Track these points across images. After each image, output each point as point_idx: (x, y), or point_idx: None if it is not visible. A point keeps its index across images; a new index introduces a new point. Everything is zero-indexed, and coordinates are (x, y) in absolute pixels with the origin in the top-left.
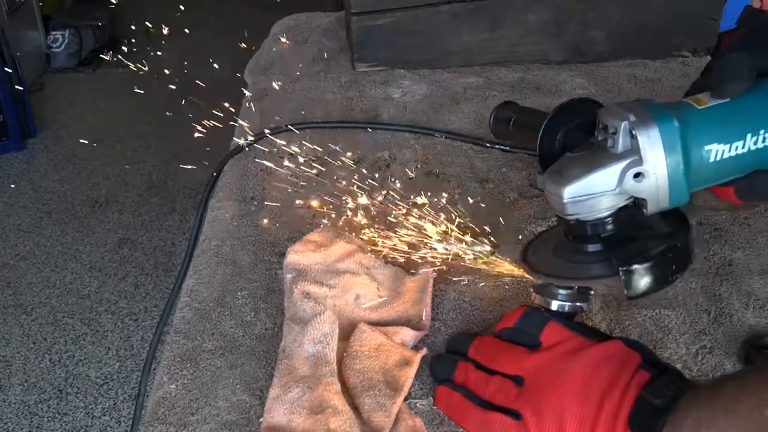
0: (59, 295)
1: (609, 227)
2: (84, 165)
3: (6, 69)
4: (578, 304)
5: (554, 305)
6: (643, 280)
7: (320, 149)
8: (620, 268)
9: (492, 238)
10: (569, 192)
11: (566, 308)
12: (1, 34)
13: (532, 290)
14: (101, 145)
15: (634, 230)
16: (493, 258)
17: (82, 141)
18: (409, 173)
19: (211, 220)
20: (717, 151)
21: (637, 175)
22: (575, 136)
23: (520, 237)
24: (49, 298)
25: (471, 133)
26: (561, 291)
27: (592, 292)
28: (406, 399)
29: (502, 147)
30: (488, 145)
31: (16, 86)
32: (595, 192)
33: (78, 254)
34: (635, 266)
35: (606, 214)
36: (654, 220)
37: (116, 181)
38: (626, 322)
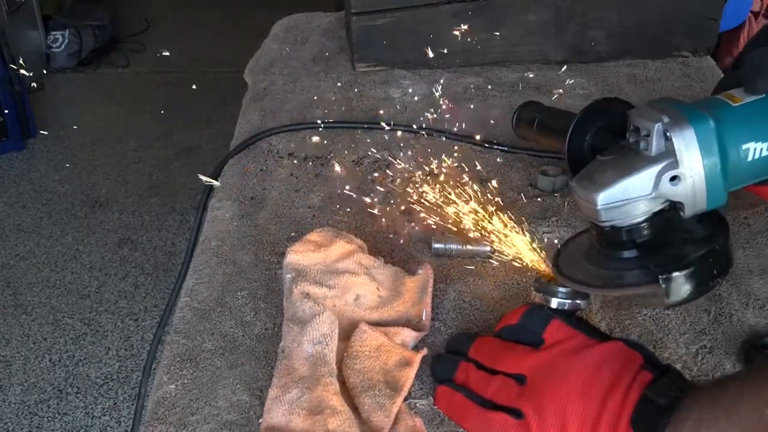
0: (59, 295)
1: (645, 232)
2: (84, 165)
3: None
4: (578, 301)
5: (554, 303)
6: (684, 287)
7: (320, 149)
8: (660, 276)
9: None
10: (603, 198)
11: (566, 306)
12: (1, 34)
13: (532, 288)
14: (101, 145)
15: (670, 234)
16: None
17: (82, 141)
18: (410, 173)
19: (211, 220)
20: (754, 149)
21: (673, 179)
22: (604, 137)
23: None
24: (49, 298)
25: (471, 134)
26: (561, 289)
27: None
28: (406, 399)
29: (500, 147)
30: (486, 145)
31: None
32: (630, 197)
33: (78, 254)
34: (675, 273)
35: (641, 219)
36: (691, 223)
37: (116, 181)
38: (626, 321)
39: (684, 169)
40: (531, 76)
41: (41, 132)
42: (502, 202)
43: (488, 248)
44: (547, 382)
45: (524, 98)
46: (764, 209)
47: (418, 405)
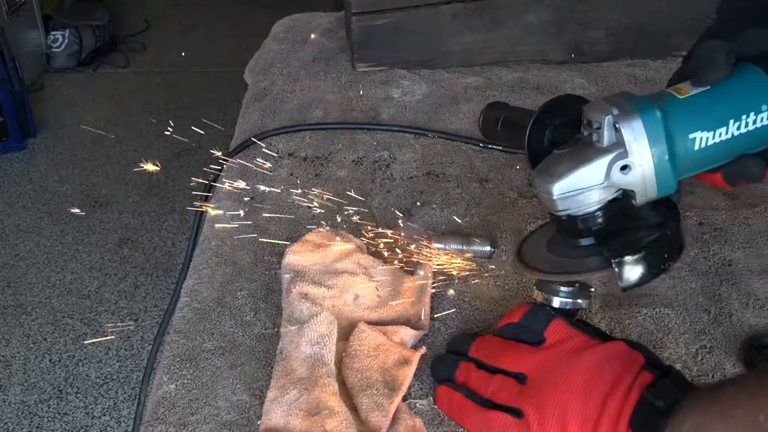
0: (59, 295)
1: (600, 220)
2: (84, 165)
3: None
4: (579, 301)
5: (556, 302)
6: (635, 271)
7: (320, 149)
8: (612, 260)
9: (492, 239)
10: (558, 188)
11: (568, 305)
12: (1, 34)
13: (534, 287)
14: (101, 145)
15: (625, 222)
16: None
17: (82, 141)
18: (410, 173)
19: (211, 220)
20: (701, 138)
21: (623, 168)
22: (563, 132)
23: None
24: (49, 298)
25: (471, 133)
26: (563, 288)
27: (593, 290)
28: (405, 399)
29: (500, 147)
30: (481, 145)
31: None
32: (583, 187)
33: (78, 254)
34: (627, 257)
35: (596, 207)
36: (644, 211)
37: (116, 181)
38: (626, 321)
39: (633, 158)
40: (531, 76)
41: (41, 132)
42: (503, 202)
43: (488, 248)
44: (548, 381)
45: (524, 98)
46: (764, 209)
47: (418, 405)
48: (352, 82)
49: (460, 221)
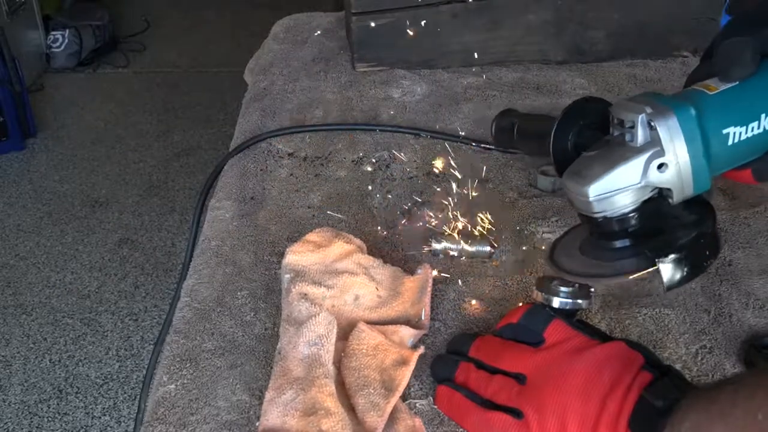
0: (59, 295)
1: (635, 221)
2: (84, 165)
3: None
4: (579, 301)
5: (556, 302)
6: (680, 270)
7: (320, 149)
8: (657, 261)
9: (492, 238)
10: (594, 190)
11: (568, 306)
12: (1, 34)
13: (534, 287)
14: (101, 145)
15: (660, 222)
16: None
17: (82, 141)
18: (410, 173)
19: (211, 220)
20: (734, 133)
21: (660, 166)
22: (586, 136)
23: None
24: (49, 298)
25: (470, 134)
26: (563, 288)
27: (593, 290)
28: (405, 399)
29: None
30: (473, 144)
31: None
32: (620, 187)
33: (78, 254)
34: (671, 256)
35: (632, 208)
36: (679, 210)
37: (116, 181)
38: (626, 321)
39: (670, 156)
40: (531, 76)
41: (41, 132)
42: (503, 202)
43: (488, 248)
44: (547, 381)
45: (524, 98)
46: (764, 209)
47: (418, 405)
48: (352, 82)
49: (459, 221)
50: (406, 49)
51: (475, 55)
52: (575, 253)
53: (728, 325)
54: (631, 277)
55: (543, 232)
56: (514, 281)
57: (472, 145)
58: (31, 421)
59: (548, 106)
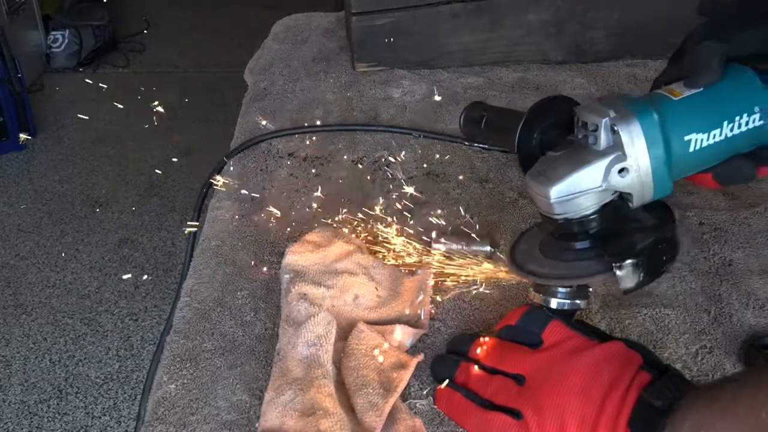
0: (59, 295)
1: (596, 223)
2: (84, 165)
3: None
4: (577, 301)
5: (554, 303)
6: (636, 274)
7: (320, 149)
8: (614, 264)
9: (492, 238)
10: (556, 192)
11: (566, 306)
12: (1, 34)
13: (531, 289)
14: (101, 145)
15: (620, 224)
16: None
17: (82, 141)
18: (410, 173)
19: (211, 220)
20: (696, 140)
21: (621, 171)
22: (552, 134)
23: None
24: (49, 298)
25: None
26: (560, 289)
27: (591, 290)
28: (405, 399)
29: (500, 147)
30: (466, 144)
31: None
32: (581, 190)
33: (78, 254)
34: (628, 261)
35: (592, 210)
36: (639, 213)
37: (116, 181)
38: (626, 321)
39: (631, 161)
40: (531, 76)
41: (41, 132)
42: (503, 202)
43: (488, 248)
44: (546, 382)
45: (524, 98)
46: (764, 209)
47: (418, 405)
48: (352, 82)
49: (460, 221)
50: (406, 49)
51: (475, 55)
52: (535, 253)
53: (728, 325)
54: (588, 280)
55: None
56: (513, 282)
57: (471, 145)
58: (31, 421)
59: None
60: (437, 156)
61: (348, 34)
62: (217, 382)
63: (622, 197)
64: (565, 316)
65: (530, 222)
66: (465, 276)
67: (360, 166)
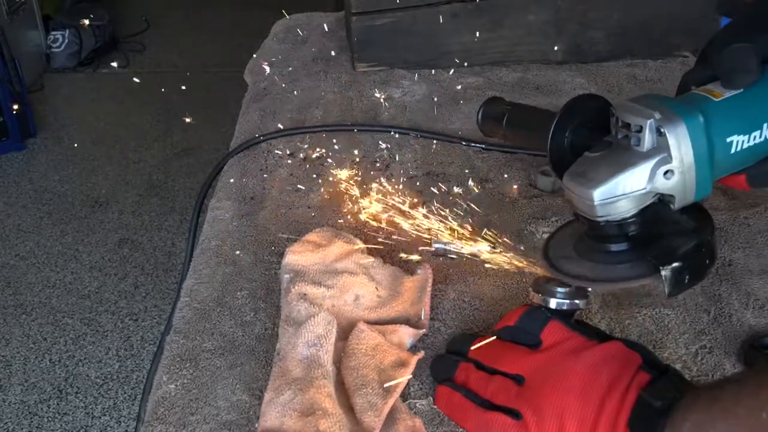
0: (59, 295)
1: (636, 226)
2: (84, 165)
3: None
4: (576, 302)
5: (553, 303)
6: (682, 278)
7: (320, 149)
8: (662, 268)
9: (491, 238)
10: (600, 194)
11: (565, 306)
12: (1, 34)
13: (530, 289)
14: (101, 145)
15: (660, 227)
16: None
17: (82, 141)
18: (410, 173)
19: (211, 220)
20: (738, 142)
21: (666, 173)
22: (583, 134)
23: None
24: (49, 298)
25: (471, 134)
26: (559, 289)
27: (590, 290)
28: (405, 399)
29: (500, 147)
30: (463, 144)
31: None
32: (625, 192)
33: (78, 254)
34: (675, 264)
35: (633, 212)
36: (678, 215)
37: (116, 181)
38: (626, 321)
39: (677, 162)
40: (531, 76)
41: (41, 132)
42: (503, 202)
43: (489, 248)
44: (545, 383)
45: (524, 98)
46: (764, 209)
47: (418, 405)
48: (352, 82)
49: (460, 222)
50: (406, 49)
51: (475, 55)
52: (571, 254)
53: (728, 325)
54: (632, 283)
55: (543, 232)
56: (514, 281)
57: (469, 145)
58: (31, 421)
59: (548, 106)
60: (437, 156)
61: (348, 34)
62: (217, 382)
63: (662, 199)
64: (564, 316)
65: (530, 222)
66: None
67: (360, 166)
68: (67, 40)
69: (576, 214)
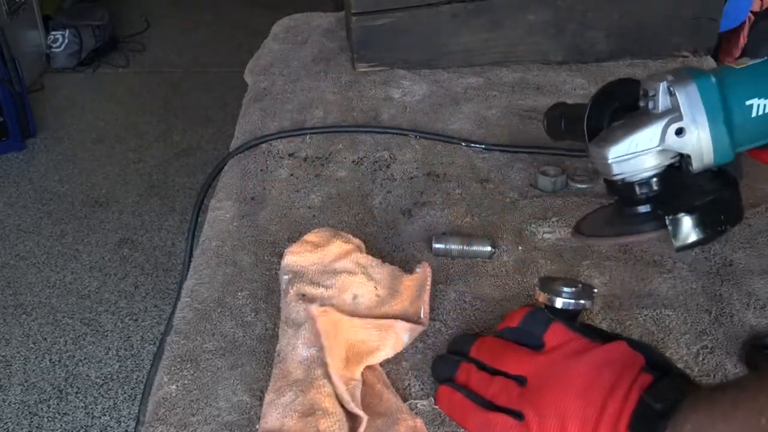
0: (59, 295)
1: (656, 187)
2: (84, 165)
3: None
4: (582, 301)
5: (559, 303)
6: (690, 230)
7: (320, 149)
8: (666, 217)
9: (492, 238)
10: (613, 152)
11: (570, 306)
12: (1, 34)
13: (536, 287)
14: (101, 145)
15: (681, 188)
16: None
17: (82, 141)
18: (410, 173)
19: (211, 221)
20: (758, 105)
21: (679, 132)
22: (621, 116)
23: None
24: (49, 298)
25: (471, 134)
26: (565, 289)
27: (595, 290)
28: (406, 400)
29: (500, 147)
30: (463, 144)
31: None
32: (638, 150)
33: (78, 254)
34: (680, 214)
35: (653, 172)
36: (702, 179)
37: (116, 181)
38: (627, 322)
39: (688, 120)
40: (531, 76)
41: (41, 132)
42: (503, 202)
43: (488, 248)
44: (548, 384)
45: (524, 98)
46: (764, 209)
47: (419, 405)
48: (352, 82)
49: (460, 222)
50: (406, 49)
51: (475, 55)
52: (599, 220)
53: (729, 326)
54: (642, 237)
55: (543, 232)
56: (514, 281)
57: (469, 145)
58: (31, 421)
59: (548, 106)
60: (438, 156)
61: (348, 34)
62: (217, 382)
63: (684, 161)
64: (569, 316)
65: (531, 222)
66: None
67: (360, 167)
68: (67, 40)
69: (604, 180)
